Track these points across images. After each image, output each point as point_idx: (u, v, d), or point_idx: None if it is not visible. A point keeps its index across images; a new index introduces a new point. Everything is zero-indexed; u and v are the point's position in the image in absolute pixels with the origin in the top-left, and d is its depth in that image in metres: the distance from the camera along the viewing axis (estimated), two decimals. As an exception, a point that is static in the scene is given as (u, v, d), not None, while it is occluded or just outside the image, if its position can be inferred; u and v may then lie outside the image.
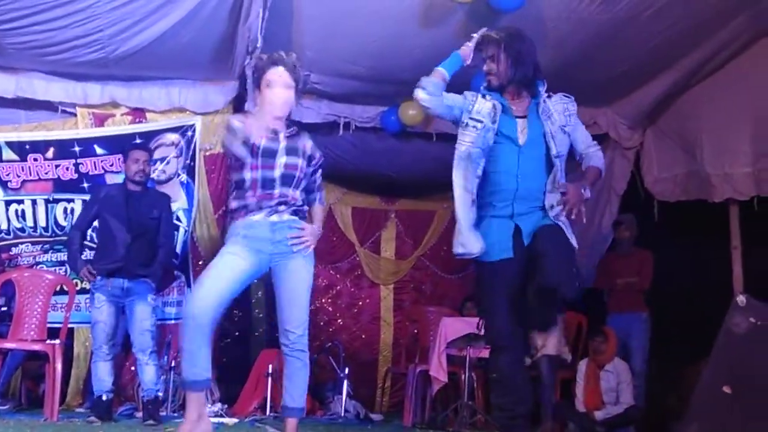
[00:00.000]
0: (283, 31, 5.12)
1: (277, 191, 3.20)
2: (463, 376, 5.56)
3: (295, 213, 3.25)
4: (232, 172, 3.33)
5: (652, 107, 6.05)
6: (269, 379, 5.76)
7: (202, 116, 6.16)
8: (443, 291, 7.95)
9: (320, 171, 3.48)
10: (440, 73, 3.33)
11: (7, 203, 6.02)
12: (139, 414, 5.17)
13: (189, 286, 6.02)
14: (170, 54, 5.45)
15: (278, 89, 3.24)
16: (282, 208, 3.20)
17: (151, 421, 4.74)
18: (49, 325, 5.06)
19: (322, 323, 7.82)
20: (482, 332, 3.37)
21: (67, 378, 5.71)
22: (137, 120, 6.13)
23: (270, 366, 5.83)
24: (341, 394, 6.20)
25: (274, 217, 3.19)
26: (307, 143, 3.35)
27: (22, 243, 5.99)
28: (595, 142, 3.42)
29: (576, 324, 6.41)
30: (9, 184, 6.02)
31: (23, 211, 6.01)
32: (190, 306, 3.08)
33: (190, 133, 6.13)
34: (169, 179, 6.08)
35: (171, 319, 5.97)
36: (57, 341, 4.94)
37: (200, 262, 6.14)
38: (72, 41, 5.20)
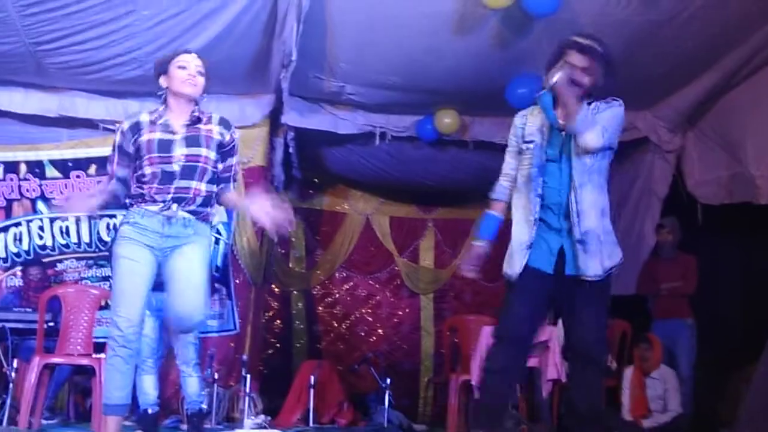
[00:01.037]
0: (317, 44, 5.16)
1: (174, 186, 3.16)
2: (505, 385, 5.50)
3: (194, 213, 3.20)
4: (128, 169, 3.28)
5: (693, 109, 5.94)
6: (312, 391, 5.77)
7: (240, 130, 6.17)
8: (484, 299, 7.88)
9: (235, 157, 3.41)
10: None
11: (52, 220, 6.15)
12: (185, 426, 5.21)
13: (230, 298, 6.08)
14: (207, 70, 5.51)
15: (191, 69, 3.29)
16: (175, 206, 3.16)
17: (192, 433, 4.77)
18: (94, 341, 5.13)
19: (362, 333, 7.83)
20: None
21: (114, 392, 5.78)
22: (176, 135, 6.22)
23: (312, 377, 5.84)
24: (384, 404, 6.19)
25: (169, 212, 3.16)
26: (214, 128, 3.31)
27: (66, 259, 6.12)
28: (602, 127, 3.09)
29: (620, 331, 6.30)
30: (53, 201, 6.15)
31: (67, 227, 6.14)
32: (119, 331, 3.10)
33: (227, 147, 6.19)
34: (208, 193, 6.15)
35: (213, 332, 6.02)
36: (103, 355, 5.00)
37: (240, 275, 6.20)
38: (111, 60, 5.31)
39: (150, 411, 4.86)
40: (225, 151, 3.34)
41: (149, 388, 4.84)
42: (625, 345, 6.17)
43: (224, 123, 3.39)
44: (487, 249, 3.26)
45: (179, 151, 3.19)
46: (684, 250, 5.93)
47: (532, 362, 5.52)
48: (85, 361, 5.04)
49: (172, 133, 3.22)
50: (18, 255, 6.14)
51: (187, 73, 3.27)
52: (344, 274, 7.88)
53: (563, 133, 3.13)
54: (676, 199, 6.31)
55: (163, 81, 3.30)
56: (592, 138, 3.03)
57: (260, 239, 6.27)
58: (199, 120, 3.29)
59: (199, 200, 3.21)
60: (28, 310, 5.29)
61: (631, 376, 5.53)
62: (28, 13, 4.72)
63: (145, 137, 3.20)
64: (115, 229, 5.88)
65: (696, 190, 6.11)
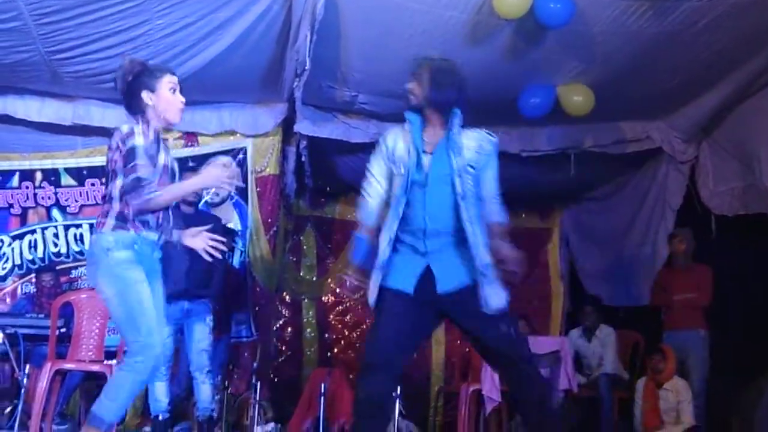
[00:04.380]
0: (330, 53, 5.17)
1: (170, 212, 3.21)
2: (516, 396, 5.48)
3: None
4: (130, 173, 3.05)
5: (707, 119, 5.91)
6: (322, 399, 5.77)
7: (253, 138, 6.26)
8: (495, 309, 7.85)
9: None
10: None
11: (66, 228, 6.20)
12: (195, 433, 5.23)
13: (247, 305, 6.13)
14: (221, 79, 5.55)
15: (180, 96, 3.22)
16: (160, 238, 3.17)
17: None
18: (106, 350, 5.16)
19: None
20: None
21: (126, 398, 5.80)
22: (189, 144, 6.26)
23: (323, 385, 5.84)
24: (394, 413, 6.16)
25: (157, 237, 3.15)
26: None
27: (81, 266, 6.16)
28: (498, 196, 3.18)
29: (632, 343, 6.28)
30: (68, 208, 6.21)
31: (81, 235, 6.19)
32: (150, 351, 2.98)
33: (241, 156, 6.24)
34: (223, 202, 6.19)
35: (233, 338, 6.09)
36: (114, 361, 5.03)
37: (253, 283, 6.22)
38: (126, 69, 5.34)
39: (161, 417, 4.89)
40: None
41: (161, 395, 4.88)
42: (638, 356, 6.14)
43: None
44: (362, 271, 3.24)
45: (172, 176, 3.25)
46: (698, 262, 5.89)
47: (542, 372, 5.50)
48: (96, 368, 5.05)
49: (167, 153, 3.23)
50: (33, 262, 6.20)
51: (180, 99, 3.21)
52: (355, 283, 7.87)
53: (430, 156, 3.12)
54: (689, 210, 6.28)
55: (147, 97, 3.16)
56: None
57: (272, 247, 6.29)
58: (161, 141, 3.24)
59: None
60: (41, 316, 5.30)
61: (644, 388, 5.49)
62: (44, 22, 4.76)
63: (161, 157, 3.18)
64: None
65: (710, 201, 6.07)
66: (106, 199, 3.11)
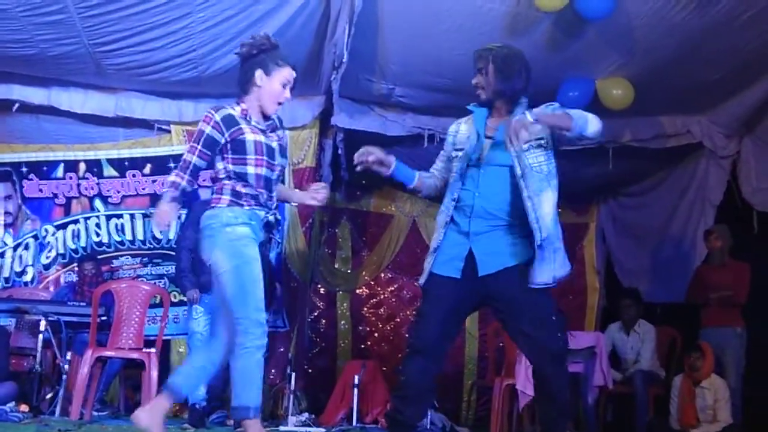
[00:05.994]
0: (368, 46, 5.19)
1: (275, 194, 3.19)
2: (551, 391, 5.45)
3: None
4: (230, 163, 3.11)
5: (750, 115, 5.81)
6: (355, 390, 5.81)
7: (290, 131, 6.29)
8: (530, 304, 7.81)
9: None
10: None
11: (108, 218, 6.32)
12: (230, 422, 5.29)
13: (281, 296, 6.19)
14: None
15: (288, 93, 3.23)
16: (271, 217, 3.18)
17: (241, 429, 4.84)
18: (145, 338, 5.25)
19: (407, 335, 7.81)
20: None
21: (164, 386, 5.90)
22: (228, 135, 6.32)
23: (356, 377, 5.87)
24: (433, 401, 6.16)
25: (272, 219, 3.17)
26: (280, 134, 3.29)
27: (122, 255, 6.28)
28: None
29: (669, 339, 6.21)
30: (110, 199, 6.33)
31: (122, 225, 6.31)
32: (260, 327, 3.00)
33: (278, 148, 6.28)
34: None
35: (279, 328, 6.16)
36: (153, 350, 5.12)
37: (288, 274, 6.28)
38: (168, 61, 5.42)
39: (198, 406, 4.96)
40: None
41: (199, 383, 4.94)
42: (674, 353, 6.07)
43: (282, 125, 3.36)
44: (393, 164, 3.29)
45: (278, 161, 3.19)
46: (738, 258, 5.80)
47: (576, 368, 5.48)
48: (135, 355, 5.15)
49: (270, 139, 3.18)
50: (76, 251, 6.33)
51: (284, 95, 3.21)
52: (390, 276, 7.88)
53: (490, 140, 3.16)
54: (730, 207, 6.18)
55: (258, 78, 3.17)
56: (595, 127, 3.07)
57: (308, 239, 6.34)
58: (275, 128, 3.26)
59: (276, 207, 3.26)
60: (82, 304, 5.42)
61: (681, 386, 5.44)
62: (89, 15, 4.85)
63: (250, 136, 3.09)
64: (168, 226, 6.07)
65: (752, 197, 5.97)
66: (216, 178, 3.15)
